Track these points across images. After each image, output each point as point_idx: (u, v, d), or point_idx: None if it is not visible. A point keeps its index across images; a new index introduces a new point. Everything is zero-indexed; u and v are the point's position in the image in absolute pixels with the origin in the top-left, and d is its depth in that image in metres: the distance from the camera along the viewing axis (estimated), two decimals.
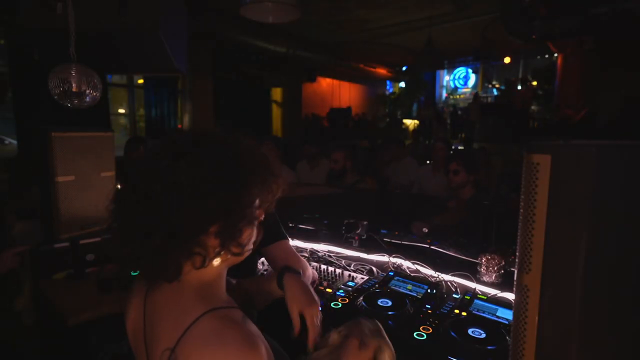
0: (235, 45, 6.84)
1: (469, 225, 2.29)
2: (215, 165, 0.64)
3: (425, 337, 1.25)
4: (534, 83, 10.80)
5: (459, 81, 13.78)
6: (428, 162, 4.16)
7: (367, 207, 3.15)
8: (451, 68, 13.43)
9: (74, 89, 1.46)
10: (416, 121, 12.17)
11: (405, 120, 12.70)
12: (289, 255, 1.29)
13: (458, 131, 10.56)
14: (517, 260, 0.78)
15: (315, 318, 0.96)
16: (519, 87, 10.02)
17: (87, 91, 1.49)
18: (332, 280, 1.68)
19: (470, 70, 13.37)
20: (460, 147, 8.79)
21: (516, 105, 8.79)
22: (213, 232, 0.64)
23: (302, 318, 0.98)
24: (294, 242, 2.13)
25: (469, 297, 1.50)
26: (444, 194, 3.33)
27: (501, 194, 2.97)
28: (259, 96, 8.44)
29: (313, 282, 1.52)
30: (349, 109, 11.68)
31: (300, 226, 2.38)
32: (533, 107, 9.32)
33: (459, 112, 11.18)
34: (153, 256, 0.64)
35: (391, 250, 2.01)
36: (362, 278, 1.70)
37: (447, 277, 1.69)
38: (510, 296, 1.50)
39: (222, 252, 0.67)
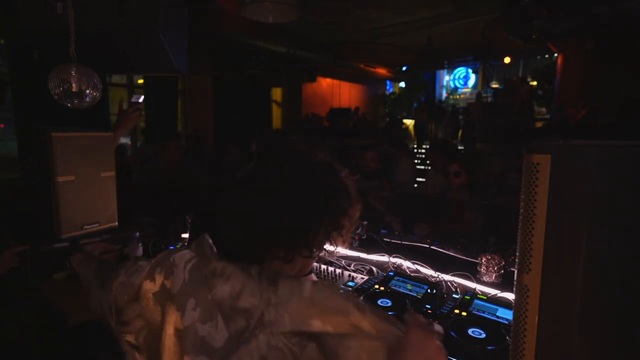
0: (236, 45, 6.84)
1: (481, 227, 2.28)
2: (338, 195, 0.77)
3: None
4: (534, 83, 10.80)
5: (459, 81, 13.78)
6: (428, 162, 4.18)
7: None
8: (451, 68, 13.42)
9: (74, 89, 1.46)
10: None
11: (405, 120, 12.69)
12: None
13: (457, 131, 10.56)
14: (517, 260, 0.78)
15: None
16: (519, 87, 10.02)
17: (87, 91, 1.49)
18: (332, 280, 1.68)
19: (470, 70, 13.36)
20: (460, 147, 8.80)
21: (516, 105, 8.79)
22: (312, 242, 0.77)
23: None
24: None
25: (469, 297, 1.51)
26: (443, 194, 3.34)
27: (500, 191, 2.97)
28: (259, 96, 8.43)
29: None
30: (349, 109, 11.68)
31: None
32: (537, 108, 9.33)
33: (460, 112, 11.18)
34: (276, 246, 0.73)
35: (391, 250, 2.01)
36: (362, 278, 1.70)
37: (447, 277, 1.69)
38: (510, 296, 1.50)
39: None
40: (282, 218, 0.72)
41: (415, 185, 4.70)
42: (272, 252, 0.74)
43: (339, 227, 0.78)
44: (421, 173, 5.66)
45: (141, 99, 2.04)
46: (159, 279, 0.76)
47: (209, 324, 0.66)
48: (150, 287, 0.77)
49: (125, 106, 2.01)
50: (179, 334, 0.69)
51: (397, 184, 4.11)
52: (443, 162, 3.60)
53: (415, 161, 8.34)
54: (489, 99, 11.59)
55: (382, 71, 11.60)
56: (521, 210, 0.75)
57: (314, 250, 0.78)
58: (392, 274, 1.72)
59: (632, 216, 0.68)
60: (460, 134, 10.40)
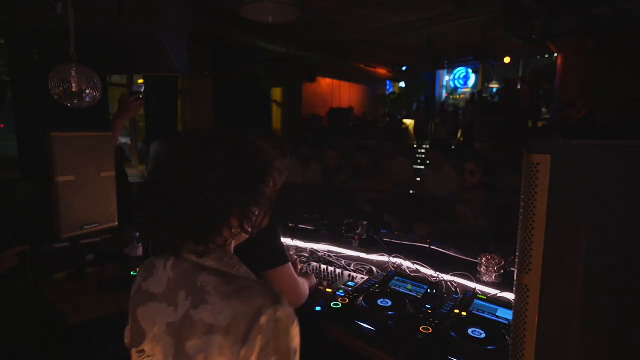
0: (235, 45, 6.83)
1: (482, 228, 2.28)
2: (244, 164, 0.76)
3: (425, 337, 1.25)
4: (533, 82, 10.79)
5: (459, 81, 13.77)
6: (428, 162, 4.19)
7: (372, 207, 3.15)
8: (451, 68, 13.41)
9: (74, 89, 1.45)
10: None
11: (405, 120, 12.68)
12: (291, 281, 1.28)
13: (457, 131, 10.55)
14: (517, 260, 0.78)
15: None
16: (518, 87, 10.01)
17: (87, 91, 1.48)
18: (332, 280, 1.68)
19: (470, 70, 13.35)
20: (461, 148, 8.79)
21: (516, 106, 8.78)
22: (236, 215, 0.74)
23: None
24: (294, 242, 2.14)
25: (469, 297, 1.51)
26: (447, 194, 3.34)
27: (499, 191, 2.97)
28: (259, 96, 8.42)
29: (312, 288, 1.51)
30: (349, 109, 11.66)
31: (300, 226, 2.39)
32: (541, 108, 9.31)
33: (460, 112, 11.17)
34: (193, 234, 0.74)
35: (391, 250, 2.01)
36: (362, 278, 1.70)
37: (447, 277, 1.69)
38: (510, 296, 1.50)
39: (239, 232, 0.77)
40: (188, 215, 0.72)
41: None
42: (188, 246, 0.76)
43: (251, 210, 0.76)
44: (420, 173, 5.65)
45: (142, 89, 1.99)
46: (138, 281, 0.82)
47: (202, 306, 0.70)
48: (131, 293, 0.83)
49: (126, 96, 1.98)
50: (174, 327, 0.72)
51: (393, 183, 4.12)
52: (441, 161, 3.62)
53: (418, 161, 8.36)
54: (489, 99, 11.58)
55: (382, 71, 11.58)
56: (521, 210, 0.75)
57: (227, 236, 0.77)
58: (392, 274, 1.72)
59: (632, 216, 0.68)
60: (460, 133, 10.40)
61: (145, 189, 0.77)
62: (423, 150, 9.41)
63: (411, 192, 3.82)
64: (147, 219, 0.76)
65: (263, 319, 0.66)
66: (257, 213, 0.77)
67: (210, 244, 0.75)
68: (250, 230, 0.78)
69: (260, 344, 0.66)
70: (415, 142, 10.69)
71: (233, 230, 0.76)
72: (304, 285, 1.37)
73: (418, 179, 4.66)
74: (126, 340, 0.86)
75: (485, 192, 2.73)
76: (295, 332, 0.70)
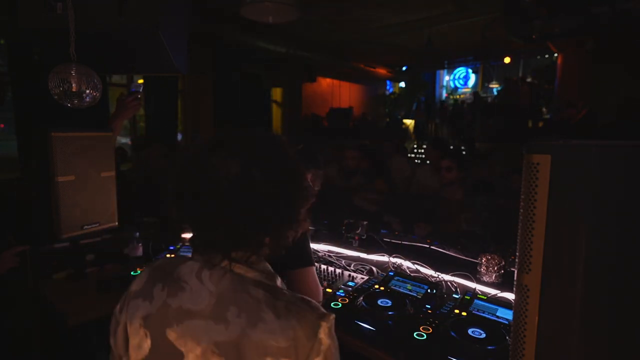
0: (235, 45, 6.83)
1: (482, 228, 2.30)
2: (291, 178, 0.74)
3: (425, 337, 1.25)
4: (534, 82, 10.79)
5: (459, 81, 13.77)
6: (428, 162, 4.19)
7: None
8: (451, 68, 13.42)
9: (74, 89, 1.45)
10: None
11: (405, 120, 12.69)
12: (315, 283, 1.27)
13: (458, 131, 10.55)
14: (517, 260, 0.78)
15: None
16: (519, 87, 10.01)
17: (87, 91, 1.49)
18: (332, 280, 1.68)
19: (470, 70, 13.36)
20: (461, 147, 8.79)
21: (516, 106, 8.79)
22: (286, 225, 0.74)
23: None
24: None
25: (469, 297, 1.51)
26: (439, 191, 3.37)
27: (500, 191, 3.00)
28: (259, 96, 8.42)
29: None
30: (349, 109, 11.67)
31: None
32: (542, 108, 9.32)
33: (464, 106, 11.16)
34: (244, 241, 0.72)
35: (391, 250, 2.01)
36: (362, 278, 1.70)
37: (447, 277, 1.69)
38: (510, 296, 1.50)
39: (283, 241, 0.76)
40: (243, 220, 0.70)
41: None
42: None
43: (294, 221, 0.76)
44: (420, 172, 5.65)
45: (141, 88, 1.98)
46: (160, 296, 0.73)
47: (260, 325, 0.67)
48: (142, 309, 0.74)
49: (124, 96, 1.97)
50: (227, 346, 0.66)
51: (391, 183, 4.12)
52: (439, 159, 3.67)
53: (417, 161, 8.35)
54: (489, 99, 11.58)
55: (382, 71, 11.58)
56: (521, 210, 0.75)
57: (274, 244, 0.76)
58: (392, 274, 1.72)
59: (632, 216, 0.68)
60: (460, 134, 10.39)
61: (173, 193, 0.74)
62: (422, 150, 9.42)
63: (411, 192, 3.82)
64: (195, 219, 0.73)
65: (321, 334, 0.68)
66: (299, 218, 0.77)
67: (257, 252, 0.74)
68: (292, 240, 0.78)
69: (322, 356, 0.68)
70: (415, 142, 10.70)
71: (280, 238, 0.76)
72: (321, 289, 1.37)
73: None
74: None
75: (462, 187, 2.81)
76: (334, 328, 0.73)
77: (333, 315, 0.71)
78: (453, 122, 10.91)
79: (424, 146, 9.63)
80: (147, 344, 0.72)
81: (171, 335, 0.70)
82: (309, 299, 0.72)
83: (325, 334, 0.68)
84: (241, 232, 0.70)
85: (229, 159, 0.70)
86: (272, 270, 0.78)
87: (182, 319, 0.70)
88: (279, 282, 0.77)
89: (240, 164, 0.69)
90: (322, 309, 0.71)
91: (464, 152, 6.96)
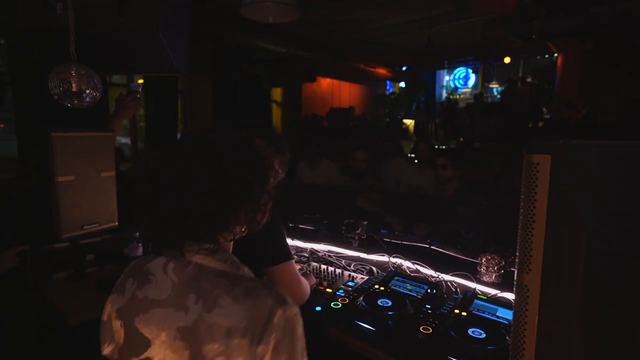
0: (235, 45, 6.83)
1: (472, 223, 2.31)
2: (250, 160, 0.77)
3: (425, 337, 1.25)
4: (534, 82, 10.79)
5: (459, 81, 13.76)
6: (416, 161, 4.18)
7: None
8: (451, 68, 13.40)
9: (74, 89, 1.46)
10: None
11: (405, 120, 12.68)
12: (294, 278, 1.27)
13: (456, 131, 10.55)
14: (517, 260, 0.78)
15: None
16: (519, 87, 10.00)
17: (87, 91, 1.49)
18: (332, 280, 1.68)
19: (470, 70, 13.34)
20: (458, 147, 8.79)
21: (516, 106, 8.78)
22: (244, 211, 0.76)
23: None
24: (294, 242, 2.14)
25: (469, 297, 1.51)
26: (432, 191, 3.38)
27: (500, 191, 3.01)
28: (259, 96, 8.41)
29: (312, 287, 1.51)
30: (350, 109, 11.65)
31: (300, 226, 2.39)
32: (542, 108, 9.32)
33: (461, 113, 11.17)
34: (202, 232, 0.75)
35: (391, 250, 2.01)
36: (362, 278, 1.70)
37: (447, 277, 1.69)
38: (510, 296, 1.50)
39: (244, 229, 0.79)
40: (196, 210, 0.72)
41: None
42: (196, 243, 0.76)
43: (257, 207, 0.78)
44: (408, 172, 5.65)
45: (140, 88, 1.99)
46: (130, 289, 0.79)
47: (215, 310, 0.70)
48: (116, 303, 0.80)
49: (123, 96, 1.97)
50: (185, 331, 0.71)
51: (391, 183, 4.11)
52: (430, 156, 3.70)
53: (416, 161, 8.34)
54: (489, 99, 11.57)
55: (382, 71, 11.58)
56: (521, 210, 0.75)
57: (235, 233, 0.79)
58: (392, 273, 1.72)
59: (632, 216, 0.68)
60: (459, 135, 10.38)
61: (147, 188, 0.77)
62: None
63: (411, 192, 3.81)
64: (150, 218, 0.76)
65: (276, 318, 0.69)
66: (262, 210, 0.79)
67: (219, 242, 0.77)
68: (257, 227, 0.79)
69: (273, 342, 0.68)
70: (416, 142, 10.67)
71: (241, 228, 0.77)
72: (306, 284, 1.37)
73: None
74: (107, 352, 0.83)
75: (457, 184, 2.84)
76: (301, 330, 0.73)
77: (296, 309, 0.72)
78: (448, 120, 10.90)
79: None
80: (122, 333, 0.78)
81: (139, 324, 0.76)
82: (275, 288, 0.74)
83: (280, 320, 0.69)
84: (198, 225, 0.73)
85: (188, 157, 0.75)
86: (236, 260, 0.80)
87: (148, 308, 0.76)
88: (244, 271, 0.79)
89: (197, 161, 0.73)
90: (287, 299, 0.73)
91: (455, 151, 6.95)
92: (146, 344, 0.75)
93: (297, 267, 1.66)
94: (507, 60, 9.52)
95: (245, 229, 0.79)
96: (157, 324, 0.74)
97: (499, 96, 11.19)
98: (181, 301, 0.73)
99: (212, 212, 0.73)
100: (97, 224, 1.73)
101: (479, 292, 1.58)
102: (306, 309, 1.41)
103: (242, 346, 0.68)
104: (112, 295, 0.82)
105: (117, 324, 0.79)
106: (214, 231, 0.75)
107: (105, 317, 0.83)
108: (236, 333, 0.68)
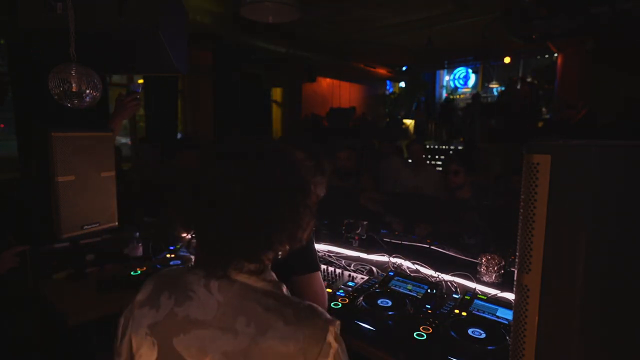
0: (235, 46, 6.83)
1: (474, 227, 2.30)
2: (293, 178, 0.75)
3: (425, 337, 1.25)
4: (534, 82, 10.79)
5: (459, 81, 13.76)
6: (410, 161, 4.16)
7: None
8: (451, 68, 13.40)
9: (74, 89, 1.46)
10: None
11: (405, 120, 12.69)
12: (321, 289, 1.25)
13: (456, 132, 10.55)
14: (517, 260, 0.78)
15: None
16: (519, 87, 10.00)
17: (87, 91, 1.49)
18: (332, 280, 1.68)
19: (470, 70, 13.34)
20: (459, 148, 8.79)
21: (516, 106, 8.78)
22: (288, 229, 0.73)
23: None
24: None
25: (469, 297, 1.51)
26: (431, 192, 3.36)
27: (500, 191, 3.00)
28: (259, 96, 8.42)
29: None
30: (351, 109, 11.65)
31: None
32: (542, 108, 9.32)
33: (460, 113, 11.17)
34: (248, 251, 0.72)
35: (391, 250, 2.01)
36: (362, 278, 1.70)
37: (447, 277, 1.69)
38: (510, 296, 1.50)
39: (288, 248, 0.76)
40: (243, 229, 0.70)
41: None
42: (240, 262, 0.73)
43: (300, 225, 0.76)
44: (402, 173, 5.65)
45: (140, 88, 1.99)
46: (167, 305, 0.74)
47: (270, 332, 0.68)
48: (147, 317, 0.75)
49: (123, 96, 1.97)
50: (235, 356, 0.67)
51: (390, 183, 4.11)
52: (424, 156, 3.70)
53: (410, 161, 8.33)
54: (489, 99, 11.57)
55: (382, 71, 11.58)
56: (521, 210, 0.75)
57: (277, 252, 0.77)
58: (392, 274, 1.72)
59: (632, 216, 0.68)
60: (459, 135, 10.37)
61: (184, 201, 0.74)
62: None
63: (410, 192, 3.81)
64: (202, 233, 0.73)
65: (329, 338, 0.69)
66: (304, 227, 0.77)
67: (264, 262, 0.75)
68: (299, 244, 0.77)
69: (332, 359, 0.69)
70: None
71: (284, 247, 0.75)
72: (326, 293, 1.36)
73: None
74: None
75: (470, 190, 2.79)
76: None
77: (339, 321, 0.73)
78: (446, 120, 10.89)
79: (425, 147, 9.61)
80: (155, 352, 0.73)
81: (178, 345, 0.70)
82: (315, 305, 0.74)
83: (333, 338, 0.70)
84: (246, 243, 0.71)
85: (234, 172, 0.72)
86: (277, 279, 0.79)
87: (190, 329, 0.70)
88: (284, 290, 0.77)
89: (244, 178, 0.71)
90: (328, 315, 0.73)
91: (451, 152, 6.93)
92: None
93: None
94: (507, 60, 9.52)
95: (288, 247, 0.76)
96: (201, 347, 0.69)
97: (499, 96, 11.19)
98: (229, 323, 0.69)
99: (256, 232, 0.70)
100: (97, 224, 1.73)
101: (479, 292, 1.58)
102: None
103: None
104: (141, 309, 0.76)
105: (147, 340, 0.73)
106: (258, 250, 0.73)
107: (127, 334, 0.77)
108: (293, 356, 0.67)
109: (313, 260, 1.24)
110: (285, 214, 0.72)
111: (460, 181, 2.80)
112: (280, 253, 0.77)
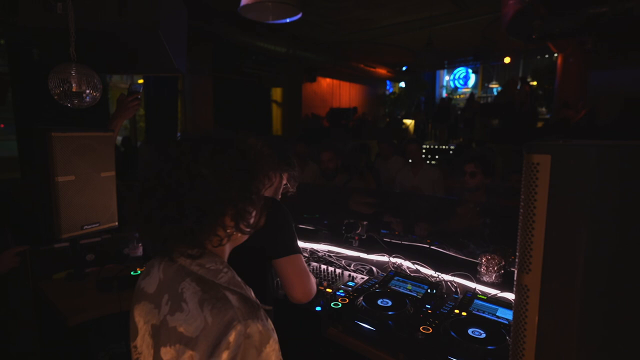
0: (235, 45, 6.84)
1: (482, 230, 2.25)
2: (232, 162, 0.75)
3: (425, 337, 1.25)
4: (534, 83, 10.79)
5: (459, 81, 13.76)
6: (410, 161, 4.14)
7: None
8: (451, 68, 13.41)
9: (74, 89, 1.46)
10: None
11: (405, 120, 12.69)
12: (300, 272, 1.25)
13: (453, 132, 10.55)
14: (517, 260, 0.78)
15: None
16: (518, 87, 10.00)
17: (87, 91, 1.49)
18: (332, 280, 1.68)
19: (470, 70, 13.35)
20: (453, 147, 8.80)
21: (515, 106, 8.78)
22: (230, 214, 0.74)
23: None
24: None
25: (469, 297, 1.51)
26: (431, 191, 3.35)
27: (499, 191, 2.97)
28: (259, 96, 8.42)
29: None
30: (350, 109, 11.66)
31: (300, 226, 2.39)
32: (538, 108, 9.31)
33: (458, 113, 11.17)
34: (184, 236, 0.72)
35: (391, 250, 2.01)
36: (362, 278, 1.70)
37: (447, 277, 1.69)
38: (510, 296, 1.50)
39: (234, 232, 0.76)
40: (180, 218, 0.71)
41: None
42: (181, 249, 0.76)
43: (243, 211, 0.75)
44: (401, 173, 5.64)
45: (141, 88, 2.00)
46: (139, 279, 0.84)
47: (177, 314, 0.70)
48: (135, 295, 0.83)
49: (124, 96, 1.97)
50: (155, 329, 0.73)
51: (389, 182, 4.11)
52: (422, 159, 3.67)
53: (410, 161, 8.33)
54: (489, 99, 11.56)
55: (382, 71, 11.59)
56: (521, 210, 0.75)
57: (222, 238, 0.76)
58: (392, 274, 1.72)
59: (632, 216, 0.68)
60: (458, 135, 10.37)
61: (136, 189, 0.76)
62: (423, 150, 9.41)
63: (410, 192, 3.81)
64: (140, 220, 0.75)
65: (232, 335, 0.62)
66: (252, 212, 0.76)
67: (206, 246, 0.75)
68: (247, 230, 0.77)
69: None
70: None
71: (228, 231, 0.75)
72: (314, 281, 1.33)
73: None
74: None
75: (485, 193, 2.70)
76: (270, 350, 0.65)
77: (258, 327, 0.64)
78: (444, 120, 10.87)
79: (425, 146, 9.63)
80: (131, 322, 0.81)
81: (134, 311, 0.80)
82: (248, 299, 0.69)
83: (238, 337, 0.62)
84: (179, 229, 0.71)
85: (165, 158, 0.74)
86: (219, 266, 0.75)
87: (141, 299, 0.79)
88: (221, 277, 0.74)
89: (183, 163, 0.72)
90: (255, 315, 0.65)
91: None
92: (135, 332, 0.78)
93: None
94: (507, 60, 9.52)
95: (234, 233, 0.76)
96: (143, 316, 0.77)
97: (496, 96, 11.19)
98: (159, 299, 0.74)
99: (196, 215, 0.70)
100: (97, 224, 1.73)
101: (479, 292, 1.58)
102: (306, 309, 1.42)
103: (193, 357, 0.64)
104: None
105: (131, 309, 0.82)
106: (195, 235, 0.72)
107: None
108: (189, 343, 0.65)
109: (291, 244, 1.25)
110: (227, 198, 0.72)
111: (477, 183, 2.62)
112: (225, 239, 0.75)
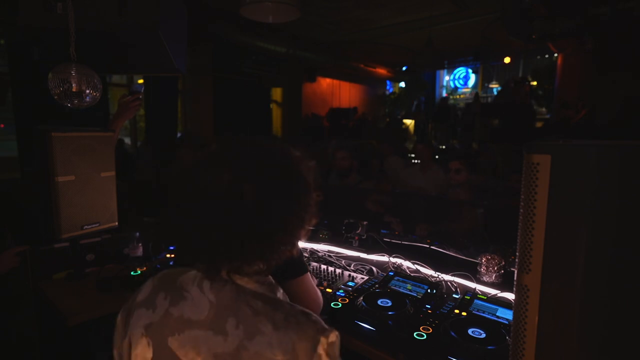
0: (235, 45, 6.83)
1: (482, 230, 2.28)
2: (295, 176, 0.71)
3: (425, 337, 1.25)
4: (534, 83, 10.78)
5: (459, 81, 13.76)
6: (415, 161, 4.15)
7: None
8: (451, 68, 13.40)
9: (74, 89, 1.46)
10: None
11: (405, 120, 12.69)
12: (309, 291, 1.22)
13: (452, 132, 10.54)
14: (517, 260, 0.78)
15: None
16: (512, 85, 9.98)
17: (87, 91, 1.49)
18: (332, 280, 1.68)
19: (470, 70, 13.34)
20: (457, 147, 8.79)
21: (515, 105, 8.78)
22: (289, 230, 0.70)
23: None
24: None
25: (469, 297, 1.51)
26: (435, 192, 3.36)
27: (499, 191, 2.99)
28: (259, 96, 8.42)
29: None
30: (350, 109, 11.65)
31: None
32: (538, 108, 9.31)
33: (459, 113, 11.17)
34: (242, 254, 0.68)
35: (391, 250, 2.01)
36: (362, 278, 1.70)
37: (447, 277, 1.69)
38: (510, 296, 1.50)
39: (291, 247, 0.73)
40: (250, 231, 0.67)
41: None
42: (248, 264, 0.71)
43: (305, 224, 0.73)
44: (408, 172, 5.66)
45: (142, 88, 2.00)
46: (163, 305, 0.74)
47: (257, 337, 0.66)
48: (143, 319, 0.74)
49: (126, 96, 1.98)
50: (224, 357, 0.67)
51: (390, 183, 4.12)
52: (430, 157, 3.68)
53: (414, 161, 8.34)
54: (489, 99, 11.56)
55: (382, 71, 11.58)
56: (521, 210, 0.75)
57: (281, 255, 0.72)
58: (392, 274, 1.72)
59: (632, 216, 0.68)
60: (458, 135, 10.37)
61: (184, 197, 0.71)
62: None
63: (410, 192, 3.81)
64: (189, 232, 0.69)
65: (320, 348, 0.66)
66: (304, 229, 0.74)
67: (269, 264, 0.72)
68: (296, 247, 0.74)
69: None
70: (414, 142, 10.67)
71: (286, 249, 0.72)
72: (320, 294, 1.31)
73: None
74: None
75: (471, 189, 2.78)
76: (339, 354, 0.70)
77: (335, 332, 0.69)
78: (441, 119, 10.87)
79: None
80: (150, 352, 0.73)
81: (173, 344, 0.70)
82: (309, 312, 0.71)
83: (324, 350, 0.66)
84: (240, 244, 0.67)
85: (226, 172, 0.68)
86: (273, 281, 0.76)
87: (183, 329, 0.70)
88: (280, 294, 0.75)
89: (235, 177, 0.67)
90: (324, 324, 0.69)
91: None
92: None
93: None
94: (507, 60, 9.52)
95: (290, 250, 0.73)
96: (194, 346, 0.69)
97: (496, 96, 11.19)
98: (220, 324, 0.68)
99: (256, 234, 0.67)
100: (97, 224, 1.73)
101: (479, 292, 1.58)
102: None
103: None
104: (139, 309, 0.76)
105: (143, 341, 0.73)
106: (257, 253, 0.69)
107: (127, 333, 0.76)
108: None
109: (299, 264, 1.21)
110: (291, 216, 0.69)
111: (462, 179, 2.77)
112: (275, 257, 0.72)
